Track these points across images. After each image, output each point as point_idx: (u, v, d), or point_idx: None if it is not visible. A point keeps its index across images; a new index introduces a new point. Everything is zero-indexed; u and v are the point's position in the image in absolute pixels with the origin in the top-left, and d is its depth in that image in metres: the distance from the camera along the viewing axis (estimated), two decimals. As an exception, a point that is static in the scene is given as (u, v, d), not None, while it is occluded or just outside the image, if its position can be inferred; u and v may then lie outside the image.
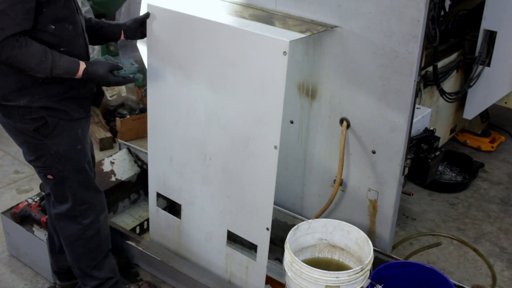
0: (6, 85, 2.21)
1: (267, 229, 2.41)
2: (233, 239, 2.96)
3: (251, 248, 2.94)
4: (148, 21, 2.51)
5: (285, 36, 2.22)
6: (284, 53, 2.14)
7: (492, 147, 4.20)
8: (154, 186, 2.89)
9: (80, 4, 3.97)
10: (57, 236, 2.66)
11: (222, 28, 2.35)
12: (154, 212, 2.97)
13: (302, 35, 2.32)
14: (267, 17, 2.55)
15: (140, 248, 2.87)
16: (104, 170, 3.27)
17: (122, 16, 4.95)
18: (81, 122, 2.38)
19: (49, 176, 2.38)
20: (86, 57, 2.33)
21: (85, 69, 2.21)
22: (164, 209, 3.06)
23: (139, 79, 2.36)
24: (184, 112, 2.59)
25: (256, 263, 2.56)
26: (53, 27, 2.16)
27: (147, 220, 3.23)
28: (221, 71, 2.39)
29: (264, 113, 2.30)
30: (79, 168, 2.41)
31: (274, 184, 2.34)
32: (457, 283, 2.51)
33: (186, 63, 2.49)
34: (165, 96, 2.64)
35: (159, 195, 2.90)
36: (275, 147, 2.28)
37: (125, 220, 3.28)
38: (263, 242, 2.47)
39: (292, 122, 2.84)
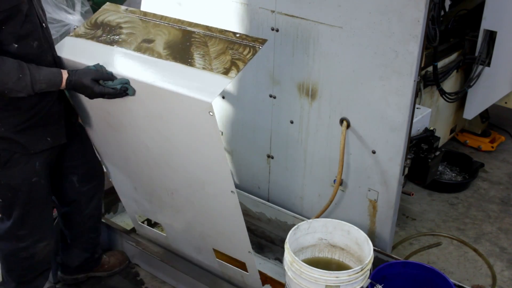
0: None
1: (249, 252, 2.39)
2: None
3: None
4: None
5: (208, 89, 1.92)
6: (210, 113, 1.90)
7: (492, 147, 4.20)
8: (129, 207, 2.84)
9: (80, 4, 3.99)
10: (68, 232, 2.66)
11: (136, 84, 2.06)
12: (139, 227, 2.96)
13: (227, 80, 1.95)
14: (183, 47, 2.14)
15: (140, 248, 2.87)
16: (104, 170, 3.26)
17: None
18: (44, 153, 2.23)
19: None
20: None
21: (67, 79, 2.05)
22: (144, 221, 3.06)
23: (130, 93, 2.08)
24: (130, 152, 2.40)
25: (248, 275, 2.56)
26: (16, 45, 2.00)
27: (147, 219, 3.23)
28: (151, 123, 2.16)
29: (209, 162, 2.11)
30: (29, 200, 2.28)
31: (242, 219, 2.24)
32: (457, 283, 2.51)
33: (113, 110, 2.22)
34: (106, 137, 2.44)
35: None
36: (232, 192, 2.13)
37: (125, 220, 3.28)
38: (249, 261, 2.46)
39: (292, 122, 2.84)
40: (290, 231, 2.43)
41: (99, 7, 2.88)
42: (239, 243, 2.39)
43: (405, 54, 2.31)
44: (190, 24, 2.23)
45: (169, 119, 2.09)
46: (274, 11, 2.67)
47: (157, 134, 2.19)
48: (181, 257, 2.86)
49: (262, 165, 3.09)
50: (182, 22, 2.25)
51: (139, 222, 2.93)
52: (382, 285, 2.35)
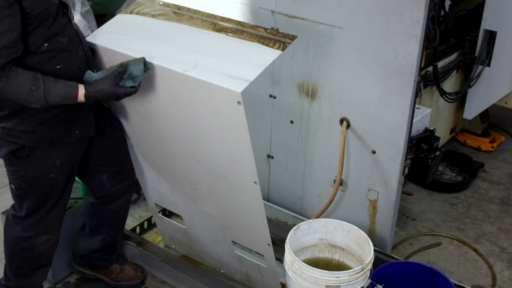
0: None
1: (268, 244, 2.39)
2: (240, 245, 2.79)
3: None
4: (96, 57, 2.31)
5: (238, 79, 1.96)
6: (239, 103, 1.93)
7: (492, 147, 4.20)
8: (151, 198, 2.84)
9: (80, 4, 3.98)
10: (88, 221, 2.68)
11: (166, 73, 2.10)
12: (159, 220, 2.96)
13: (258, 71, 2.00)
14: (211, 36, 2.21)
15: (140, 248, 2.87)
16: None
17: (122, 16, 4.94)
18: (68, 150, 2.26)
19: (12, 186, 2.31)
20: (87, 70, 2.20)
21: (86, 94, 2.05)
22: (165, 213, 3.06)
23: (148, 67, 2.11)
24: (156, 143, 2.46)
25: (266, 268, 2.56)
26: (46, 44, 2.04)
27: (147, 220, 3.23)
28: (179, 112, 2.20)
29: (234, 152, 2.14)
30: (43, 194, 2.32)
31: (263, 212, 2.26)
32: (457, 283, 2.51)
33: (143, 100, 2.27)
34: (135, 126, 2.50)
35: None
36: (255, 182, 2.15)
37: (125, 220, 3.28)
38: (268, 254, 2.46)
39: (292, 122, 2.84)
40: (291, 231, 2.43)
41: (99, 7, 2.88)
42: (258, 235, 2.39)
43: (405, 54, 2.31)
44: (223, 19, 2.28)
45: (198, 108, 2.13)
46: (274, 11, 2.67)
47: (184, 124, 2.23)
48: (199, 259, 2.87)
49: (262, 165, 3.09)
50: (215, 16, 2.31)
51: (159, 215, 2.93)
52: (383, 285, 2.36)
